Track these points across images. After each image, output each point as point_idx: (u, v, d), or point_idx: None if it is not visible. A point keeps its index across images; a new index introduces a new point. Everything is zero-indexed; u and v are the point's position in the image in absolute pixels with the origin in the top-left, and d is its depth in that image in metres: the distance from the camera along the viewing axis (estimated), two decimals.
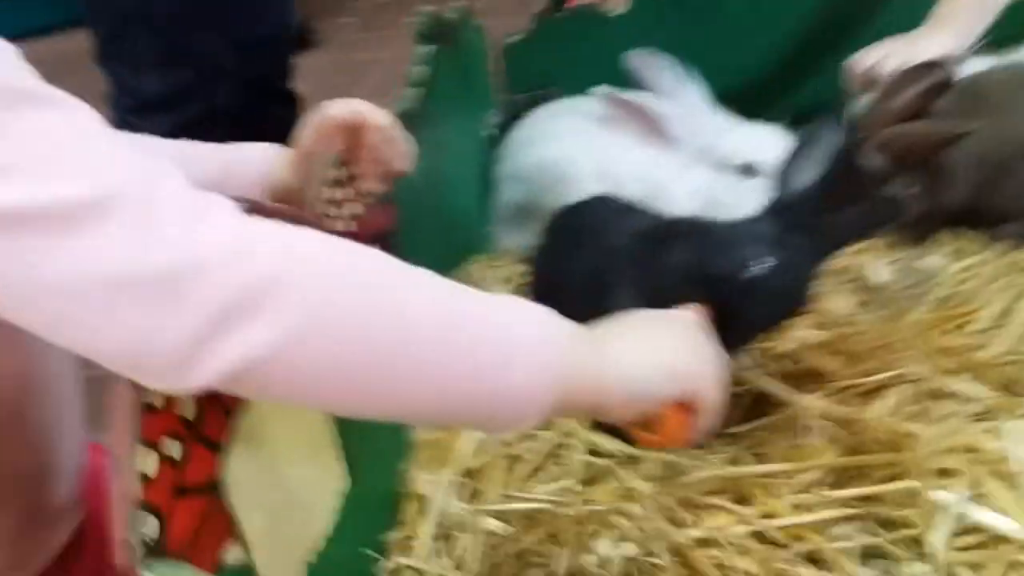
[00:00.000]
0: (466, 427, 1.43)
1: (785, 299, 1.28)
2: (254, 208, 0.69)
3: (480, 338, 0.77)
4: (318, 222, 1.18)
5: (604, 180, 2.03)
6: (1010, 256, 2.00)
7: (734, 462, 1.53)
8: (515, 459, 1.63)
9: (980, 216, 2.03)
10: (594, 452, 1.61)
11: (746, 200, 1.96)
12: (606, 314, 0.98)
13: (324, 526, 1.08)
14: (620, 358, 0.89)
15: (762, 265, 1.30)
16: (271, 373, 0.65)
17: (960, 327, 1.81)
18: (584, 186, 2.01)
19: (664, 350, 0.94)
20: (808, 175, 1.36)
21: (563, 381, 0.81)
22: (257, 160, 1.18)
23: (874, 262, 2.04)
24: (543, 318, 0.84)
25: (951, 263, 2.03)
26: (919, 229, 2.09)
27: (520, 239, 2.12)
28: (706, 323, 1.07)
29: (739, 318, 1.29)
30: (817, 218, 1.35)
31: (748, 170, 2.01)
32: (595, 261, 1.57)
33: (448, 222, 1.90)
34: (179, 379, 0.63)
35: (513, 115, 2.29)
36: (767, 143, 2.01)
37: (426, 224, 1.78)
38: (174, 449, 0.79)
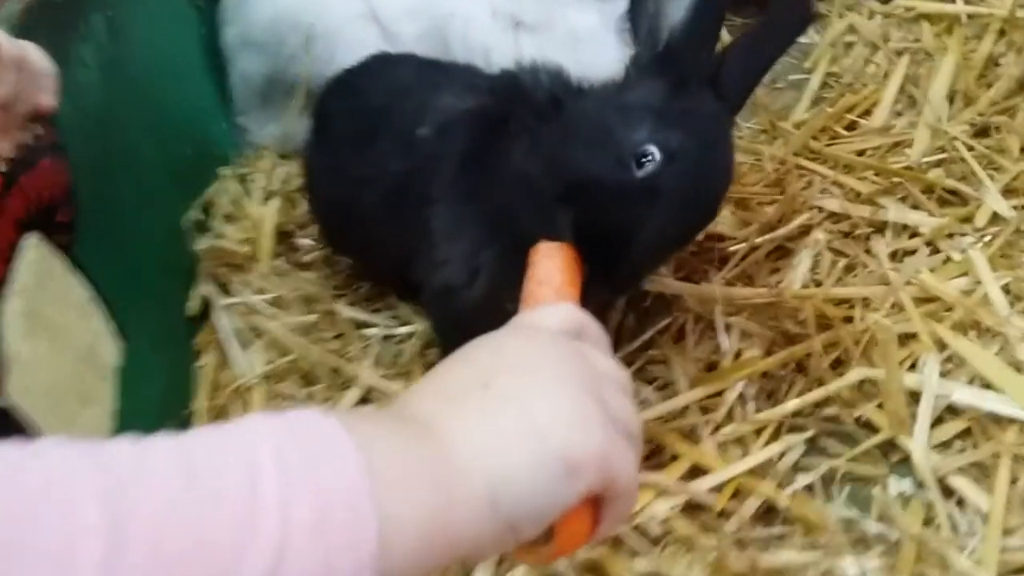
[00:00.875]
0: None
1: (697, 201, 0.81)
2: None
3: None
4: None
5: (370, 23, 1.49)
6: (883, 8, 1.60)
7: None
8: None
9: None
10: None
11: (557, 9, 1.53)
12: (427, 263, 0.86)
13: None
14: (479, 470, 0.54)
15: (656, 155, 0.82)
16: None
17: (857, 123, 1.41)
18: (348, 40, 1.47)
19: (545, 426, 0.56)
20: None
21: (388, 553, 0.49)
22: None
23: None
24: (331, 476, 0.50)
25: (819, 34, 1.62)
26: None
27: (274, 128, 1.57)
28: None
29: (633, 241, 0.84)
30: (710, 61, 0.89)
31: None
32: (398, 167, 1.08)
33: (165, 134, 1.34)
34: None
35: None
36: None
37: (126, 151, 1.25)
38: None
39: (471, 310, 1.04)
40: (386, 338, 1.30)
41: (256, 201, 1.50)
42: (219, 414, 1.26)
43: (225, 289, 1.35)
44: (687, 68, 0.87)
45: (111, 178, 1.21)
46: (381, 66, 1.30)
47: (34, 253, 1.00)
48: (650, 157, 0.81)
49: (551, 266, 0.89)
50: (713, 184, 0.88)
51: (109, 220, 1.17)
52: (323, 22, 1.47)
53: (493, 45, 1.50)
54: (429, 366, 1.24)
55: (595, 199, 0.85)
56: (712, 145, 0.87)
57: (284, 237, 1.46)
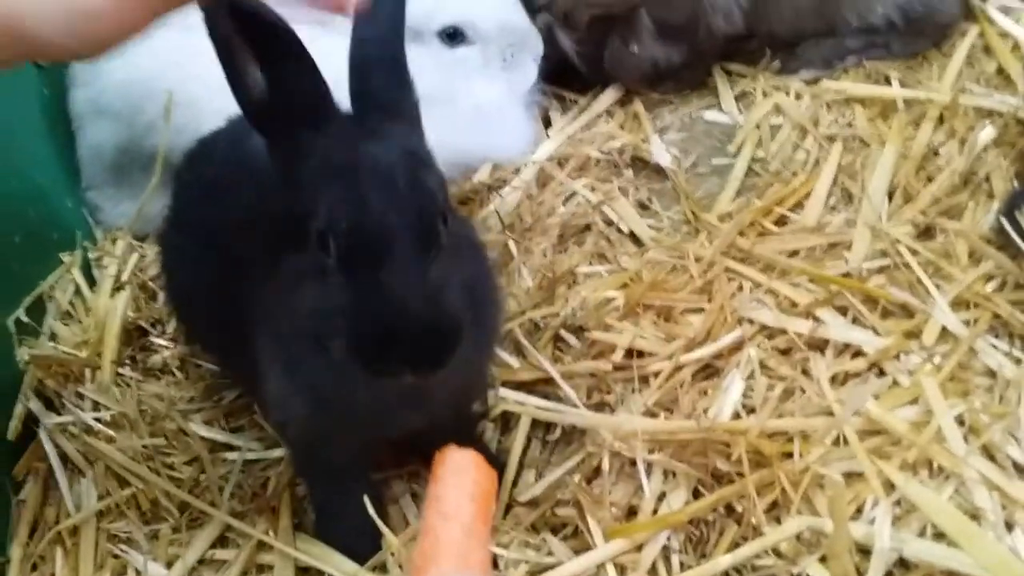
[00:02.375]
0: None
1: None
2: None
3: None
4: None
5: None
6: (811, 89, 1.48)
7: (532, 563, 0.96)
8: None
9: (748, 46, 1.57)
10: (305, 570, 1.02)
11: (461, 81, 1.37)
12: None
13: None
14: None
15: None
16: None
17: (787, 217, 1.28)
18: (215, 109, 1.27)
19: None
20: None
21: None
22: None
23: (647, 139, 1.45)
24: None
25: (744, 115, 1.49)
26: (686, 75, 1.53)
27: (129, 206, 1.37)
28: None
29: None
30: None
31: (455, 36, 1.38)
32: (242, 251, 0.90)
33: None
34: None
35: None
36: None
37: None
38: None
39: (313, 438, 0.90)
40: (249, 463, 1.10)
41: (103, 293, 1.29)
42: (37, 564, 1.05)
43: (55, 405, 1.14)
44: None
45: None
46: (239, 132, 1.09)
47: None
48: None
49: (460, 489, 0.82)
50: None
51: None
52: (184, 89, 1.28)
53: None
54: (300, 499, 1.06)
55: None
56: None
57: (135, 335, 1.25)
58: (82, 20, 0.81)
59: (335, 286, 0.76)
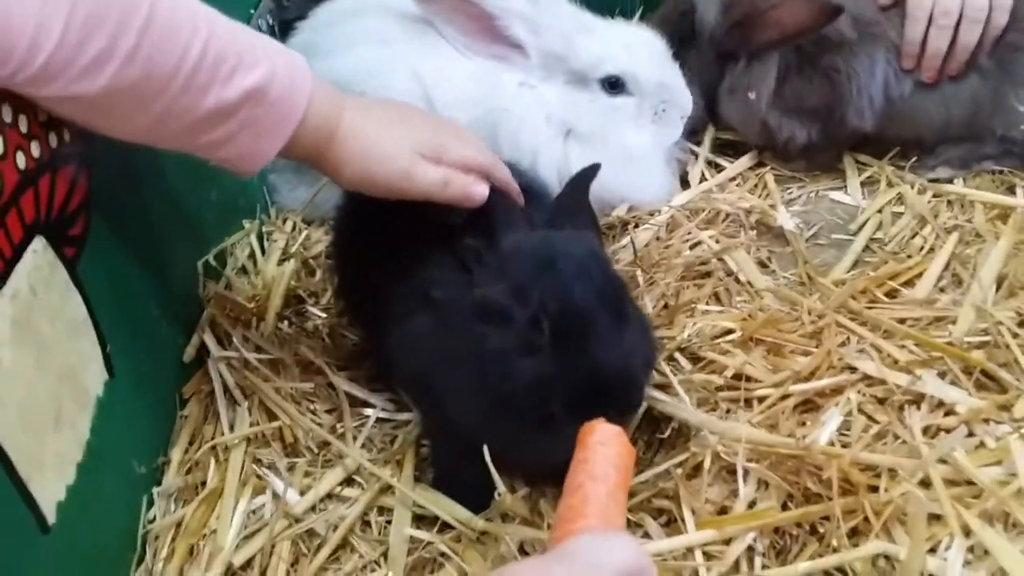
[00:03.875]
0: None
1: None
2: None
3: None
4: None
5: (421, 105, 1.46)
6: (933, 187, 1.57)
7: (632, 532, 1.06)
8: (303, 539, 1.11)
9: (881, 142, 1.68)
10: (420, 519, 1.11)
11: (614, 126, 1.51)
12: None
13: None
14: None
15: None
16: None
17: (898, 291, 1.36)
18: None
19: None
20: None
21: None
22: None
23: (774, 205, 1.57)
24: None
25: (866, 200, 1.59)
26: (819, 155, 1.64)
27: (303, 193, 1.53)
28: None
29: None
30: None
31: (615, 85, 1.51)
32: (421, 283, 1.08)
33: (196, 173, 1.29)
34: None
35: (292, 15, 1.67)
36: (639, 49, 1.52)
37: (153, 181, 1.21)
38: None
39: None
40: (381, 420, 1.23)
41: (273, 260, 1.45)
42: (191, 470, 1.18)
43: (225, 341, 1.29)
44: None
45: (132, 204, 1.17)
46: None
47: (37, 259, 0.94)
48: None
49: (606, 458, 0.87)
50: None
51: (120, 246, 1.12)
52: (375, 95, 1.44)
53: (541, 148, 1.48)
54: (422, 457, 1.17)
55: None
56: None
57: (294, 302, 1.40)
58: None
59: (546, 359, 0.93)
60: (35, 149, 0.95)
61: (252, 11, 1.62)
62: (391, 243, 1.13)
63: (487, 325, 0.97)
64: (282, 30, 1.66)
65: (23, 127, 0.93)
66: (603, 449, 0.89)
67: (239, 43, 0.94)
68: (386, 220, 1.13)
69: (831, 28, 1.52)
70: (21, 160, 0.92)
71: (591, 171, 1.17)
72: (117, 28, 0.84)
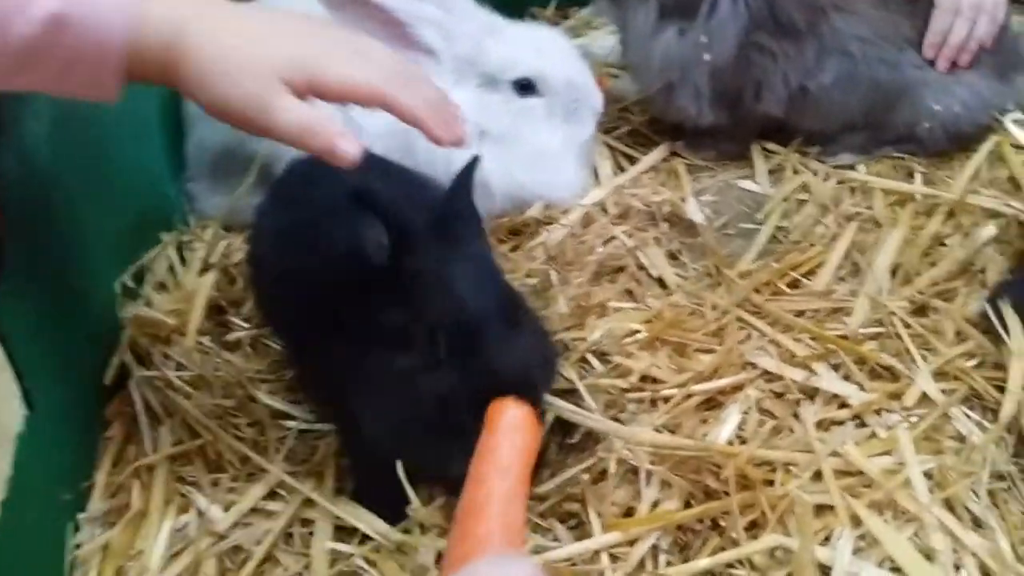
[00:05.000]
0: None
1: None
2: None
3: None
4: None
5: (337, 113, 1.47)
6: (837, 174, 1.63)
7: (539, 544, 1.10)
8: (229, 555, 1.15)
9: (785, 131, 1.73)
10: (343, 530, 1.16)
11: (526, 127, 1.54)
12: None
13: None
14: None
15: None
16: None
17: (800, 282, 1.42)
18: None
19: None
20: None
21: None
22: None
23: (684, 198, 1.61)
24: None
25: (774, 188, 1.64)
26: (729, 144, 1.69)
27: (223, 200, 1.54)
28: None
29: None
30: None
31: (526, 87, 1.53)
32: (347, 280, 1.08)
33: (110, 195, 1.31)
34: None
35: None
36: (548, 50, 1.54)
37: (66, 209, 1.22)
38: None
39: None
40: (303, 432, 1.26)
41: (193, 272, 1.47)
42: (116, 492, 1.21)
43: (145, 361, 1.31)
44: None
45: (45, 236, 1.18)
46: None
47: None
48: None
49: (513, 446, 0.89)
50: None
51: (35, 279, 1.13)
52: None
53: (455, 151, 1.49)
54: (343, 469, 1.21)
55: None
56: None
57: (216, 312, 1.42)
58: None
59: (447, 371, 0.97)
60: None
61: None
62: (302, 260, 1.16)
63: (389, 348, 1.00)
64: None
65: None
66: (511, 435, 0.90)
67: None
68: (299, 235, 1.16)
69: (784, 14, 1.55)
70: None
71: (471, 167, 1.11)
72: None
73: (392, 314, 1.01)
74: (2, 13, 0.84)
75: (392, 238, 1.02)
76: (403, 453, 1.02)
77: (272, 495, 1.20)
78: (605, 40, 1.92)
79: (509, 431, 0.90)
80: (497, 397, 0.96)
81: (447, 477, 1.15)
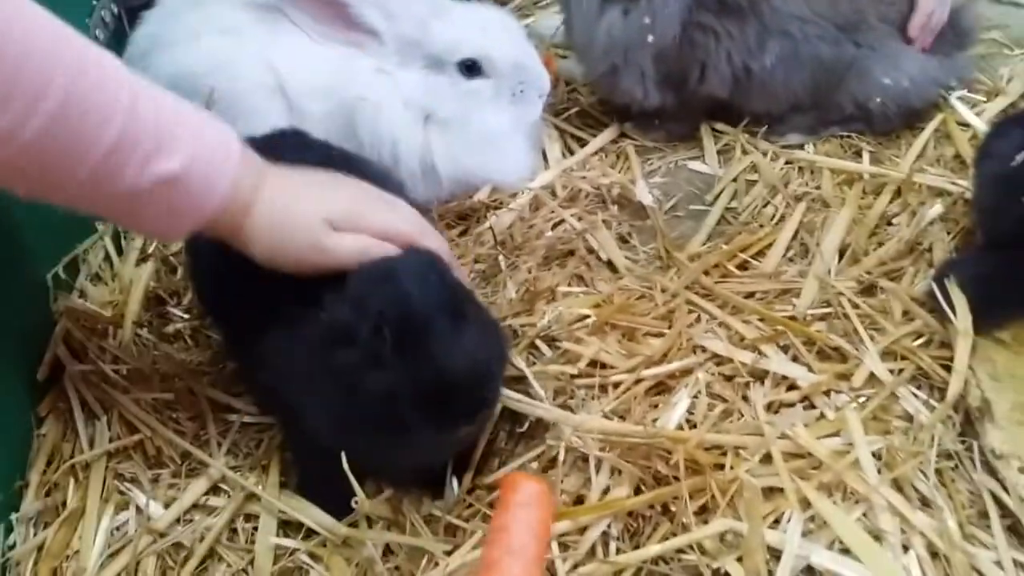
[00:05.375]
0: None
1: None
2: None
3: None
4: None
5: (275, 96, 1.45)
6: (786, 153, 1.63)
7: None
8: (170, 552, 1.12)
9: (733, 111, 1.71)
10: (288, 525, 1.14)
11: (473, 109, 1.52)
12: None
13: None
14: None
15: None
16: None
17: (749, 263, 1.42)
18: (251, 109, 1.43)
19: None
20: None
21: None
22: None
23: (634, 180, 1.60)
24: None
25: (723, 168, 1.63)
26: (677, 125, 1.68)
27: None
28: None
29: None
30: None
31: (472, 68, 1.50)
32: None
33: None
34: None
35: (138, 1, 1.61)
36: (494, 30, 1.52)
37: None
38: None
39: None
40: (246, 425, 1.23)
41: (130, 262, 1.43)
42: (51, 491, 1.17)
43: (80, 355, 1.27)
44: None
45: None
46: (292, 145, 1.24)
47: None
48: None
49: (528, 526, 0.88)
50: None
51: None
52: (226, 88, 1.42)
53: (401, 136, 1.47)
54: (287, 463, 1.18)
55: None
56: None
57: (154, 303, 1.39)
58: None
59: (391, 367, 0.94)
60: None
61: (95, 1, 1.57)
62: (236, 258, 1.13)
63: (333, 345, 0.98)
64: (129, 19, 1.60)
65: None
66: (524, 513, 0.89)
67: (162, 123, 0.92)
68: None
69: None
70: None
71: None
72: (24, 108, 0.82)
73: (334, 306, 0.99)
74: (119, 161, 0.89)
75: None
76: (348, 449, 1.00)
77: (214, 490, 1.18)
78: (552, 20, 1.88)
79: (522, 508, 0.89)
80: (441, 392, 0.94)
81: (393, 473, 1.13)
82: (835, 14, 1.57)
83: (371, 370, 0.96)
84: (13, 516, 1.13)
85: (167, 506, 1.15)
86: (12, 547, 1.11)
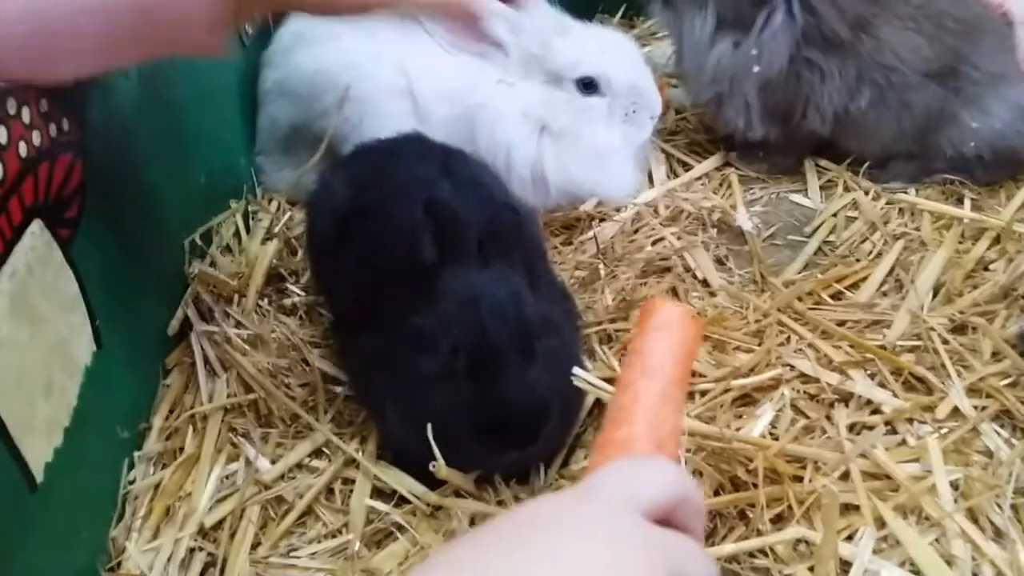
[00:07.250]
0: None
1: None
2: None
3: None
4: None
5: (404, 98, 1.54)
6: (887, 195, 1.66)
7: None
8: (272, 504, 1.20)
9: (838, 150, 1.75)
10: (380, 492, 1.21)
11: (586, 125, 1.59)
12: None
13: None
14: None
15: None
16: None
17: (843, 294, 1.45)
18: (379, 109, 1.52)
19: None
20: None
21: None
22: None
23: (735, 206, 1.65)
24: None
25: (824, 203, 1.67)
26: (781, 158, 1.72)
27: (289, 174, 1.61)
28: None
29: None
30: None
31: (589, 86, 1.58)
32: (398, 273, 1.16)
33: (185, 156, 1.38)
34: None
35: None
36: (613, 52, 1.59)
37: (144, 165, 1.29)
38: None
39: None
40: (349, 397, 1.31)
41: (256, 239, 1.53)
42: (171, 436, 1.27)
43: (207, 316, 1.37)
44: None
45: (123, 187, 1.25)
46: (412, 149, 1.35)
47: (35, 240, 1.02)
48: None
49: (666, 347, 0.83)
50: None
51: (111, 227, 1.20)
52: (360, 87, 1.52)
53: (515, 144, 1.55)
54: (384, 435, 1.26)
55: None
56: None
57: (275, 279, 1.48)
58: None
59: (461, 385, 1.06)
60: (36, 138, 1.03)
61: None
62: (350, 248, 1.23)
63: (418, 348, 1.08)
64: (275, 18, 1.72)
65: (26, 118, 1.01)
66: (661, 336, 0.84)
67: None
68: (358, 219, 1.23)
69: (828, 27, 1.56)
70: (23, 149, 1.00)
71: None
72: None
73: (426, 317, 1.09)
74: None
75: (441, 247, 1.10)
76: (413, 443, 1.10)
77: (317, 453, 1.26)
78: (666, 50, 1.96)
79: (660, 330, 0.84)
80: (499, 419, 1.04)
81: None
82: (917, 59, 1.59)
83: (443, 382, 1.07)
84: (136, 454, 1.23)
85: (273, 462, 1.23)
86: (132, 482, 1.21)
